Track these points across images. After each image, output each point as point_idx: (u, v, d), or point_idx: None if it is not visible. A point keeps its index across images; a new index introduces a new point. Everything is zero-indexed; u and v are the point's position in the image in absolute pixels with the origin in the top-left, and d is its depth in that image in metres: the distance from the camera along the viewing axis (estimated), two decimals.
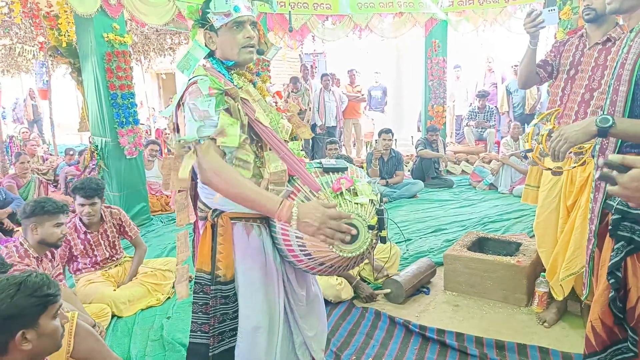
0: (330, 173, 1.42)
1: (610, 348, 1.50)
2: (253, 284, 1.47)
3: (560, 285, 2.38)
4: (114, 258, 3.05)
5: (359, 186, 1.39)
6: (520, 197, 5.48)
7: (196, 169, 1.40)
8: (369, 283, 2.96)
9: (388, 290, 2.82)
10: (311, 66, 8.88)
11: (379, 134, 5.71)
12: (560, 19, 3.10)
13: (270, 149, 1.43)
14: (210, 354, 1.46)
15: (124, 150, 4.57)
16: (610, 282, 1.46)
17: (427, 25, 7.04)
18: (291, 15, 5.91)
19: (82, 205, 2.84)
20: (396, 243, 3.49)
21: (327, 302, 2.75)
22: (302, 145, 1.58)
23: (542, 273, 2.58)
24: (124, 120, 4.53)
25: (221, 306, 1.46)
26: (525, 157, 5.61)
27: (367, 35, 7.05)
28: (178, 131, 1.47)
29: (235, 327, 1.48)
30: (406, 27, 6.99)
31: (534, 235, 3.10)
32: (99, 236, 2.95)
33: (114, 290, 2.83)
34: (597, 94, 2.16)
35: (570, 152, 1.85)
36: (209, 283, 1.46)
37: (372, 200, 1.39)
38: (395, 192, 5.52)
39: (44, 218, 2.27)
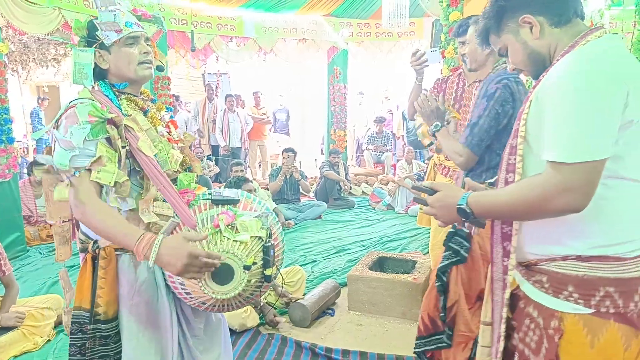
0: (220, 206, 1.35)
1: (433, 336, 1.92)
2: (139, 322, 1.36)
3: None
4: None
5: (242, 222, 1.32)
6: (415, 216, 5.88)
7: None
8: (275, 308, 2.93)
9: (283, 320, 2.83)
10: (215, 86, 8.73)
11: (282, 152, 5.98)
12: (444, 57, 3.47)
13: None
14: None
15: None
16: (437, 285, 1.89)
17: (330, 52, 7.39)
18: (193, 35, 5.77)
19: None
20: (301, 266, 3.52)
21: (232, 331, 2.65)
22: (196, 178, 1.48)
23: None
24: None
25: (100, 347, 1.34)
26: (419, 179, 6.10)
27: (272, 58, 7.17)
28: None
29: None
30: (309, 52, 7.26)
31: (427, 253, 3.36)
32: None
33: None
34: None
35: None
36: (88, 322, 1.34)
37: (259, 237, 1.32)
38: (300, 214, 5.60)
39: None
